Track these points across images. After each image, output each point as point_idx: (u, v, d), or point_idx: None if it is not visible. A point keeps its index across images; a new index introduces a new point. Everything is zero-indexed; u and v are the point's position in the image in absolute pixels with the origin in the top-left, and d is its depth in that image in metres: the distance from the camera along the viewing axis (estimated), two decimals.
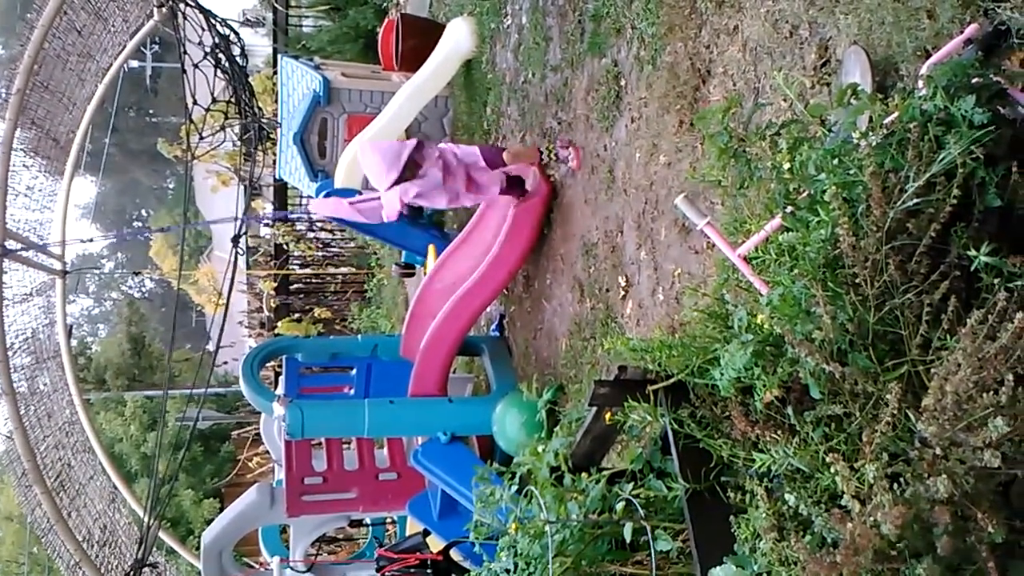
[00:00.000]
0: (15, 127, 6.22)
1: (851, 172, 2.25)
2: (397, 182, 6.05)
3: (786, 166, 2.35)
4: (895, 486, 1.96)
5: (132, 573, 6.11)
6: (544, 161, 6.36)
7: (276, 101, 10.28)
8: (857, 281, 2.17)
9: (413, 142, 6.16)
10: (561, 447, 3.04)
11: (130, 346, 26.04)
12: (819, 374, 2.23)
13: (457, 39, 8.37)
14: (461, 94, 9.11)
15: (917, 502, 1.90)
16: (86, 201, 44.71)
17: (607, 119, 5.55)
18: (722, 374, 2.37)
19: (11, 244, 6.43)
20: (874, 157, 2.16)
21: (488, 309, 7.46)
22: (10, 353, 6.31)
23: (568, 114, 6.21)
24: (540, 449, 3.24)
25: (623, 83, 5.35)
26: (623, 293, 5.27)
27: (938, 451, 1.92)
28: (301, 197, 13.92)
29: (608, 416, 2.77)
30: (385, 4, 13.36)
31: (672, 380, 2.70)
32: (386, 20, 10.49)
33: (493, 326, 7.81)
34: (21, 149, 6.92)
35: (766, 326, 2.30)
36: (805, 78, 3.46)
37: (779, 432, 2.35)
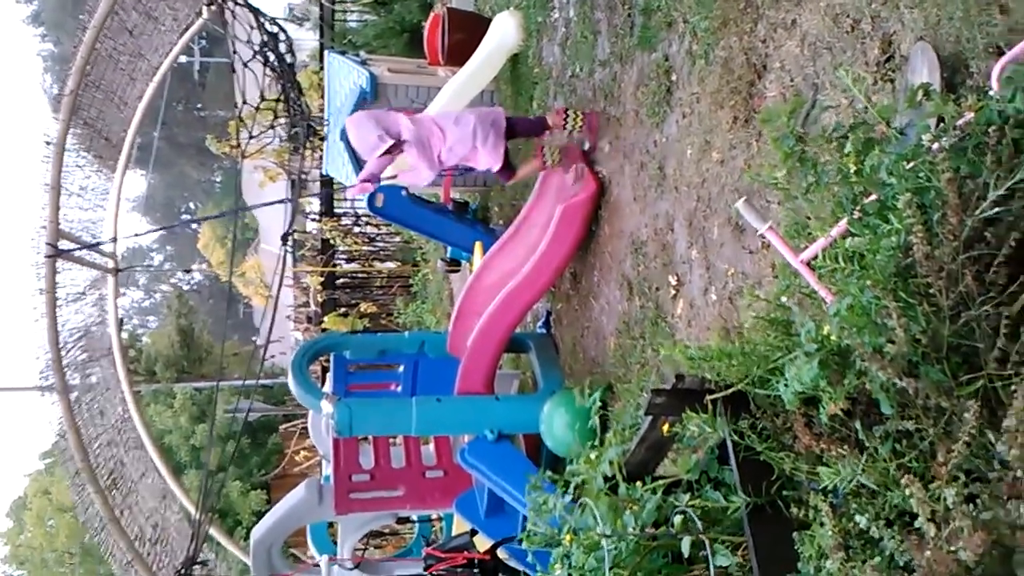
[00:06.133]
0: (68, 128, 6.29)
1: (923, 177, 2.15)
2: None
3: (853, 169, 2.26)
4: (971, 507, 1.87)
5: (183, 570, 6.17)
6: (546, 164, 6.52)
7: (323, 97, 10.30)
8: (931, 291, 2.08)
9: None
10: (616, 456, 2.98)
11: (179, 338, 26.40)
12: (889, 388, 2.14)
13: (503, 33, 8.30)
14: (507, 88, 9.05)
15: (997, 527, 1.81)
16: (136, 195, 45.48)
17: (657, 114, 5.45)
18: (787, 386, 2.28)
19: (64, 244, 6.51)
20: (949, 162, 2.06)
21: (535, 306, 7.40)
22: (63, 352, 6.40)
23: (617, 109, 6.12)
24: (594, 457, 3.17)
25: (674, 78, 5.25)
26: (674, 292, 5.18)
27: (1019, 473, 1.82)
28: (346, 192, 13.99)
29: (666, 427, 2.70)
30: None
31: (731, 390, 2.62)
32: (432, 14, 10.45)
33: (540, 323, 7.75)
34: (74, 149, 7.01)
35: (833, 337, 2.22)
36: (867, 74, 3.35)
37: (845, 446, 2.27)
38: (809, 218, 2.83)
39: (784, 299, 2.75)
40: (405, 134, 6.19)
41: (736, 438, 2.58)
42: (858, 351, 2.09)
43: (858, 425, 2.18)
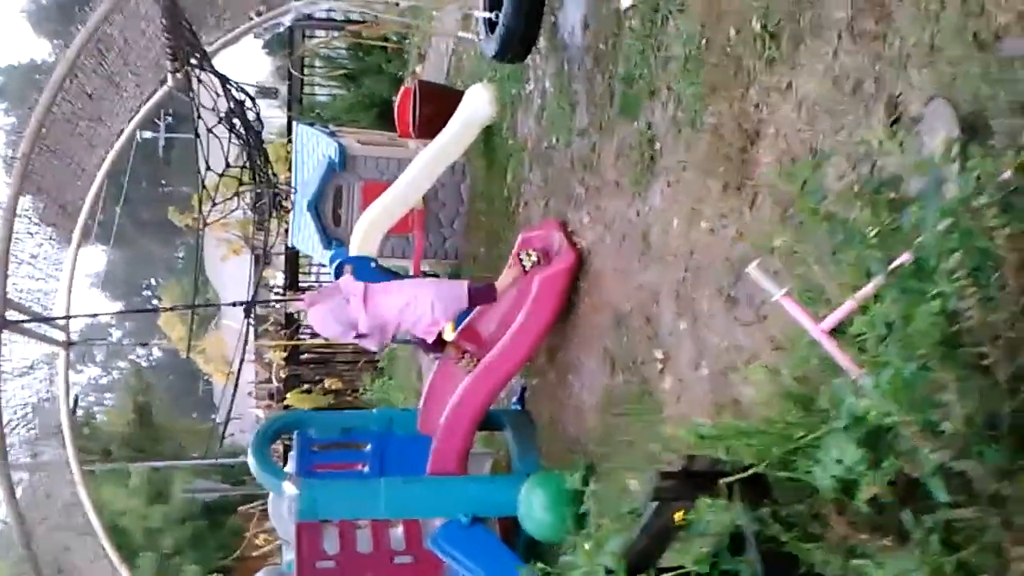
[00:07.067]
0: (19, 192, 5.98)
1: (968, 236, 1.94)
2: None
3: (890, 227, 2.05)
4: None
5: None
6: (526, 269, 6.50)
7: (290, 169, 10.12)
8: (984, 362, 1.85)
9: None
10: (618, 547, 2.70)
11: (136, 416, 25.67)
12: (938, 472, 1.90)
13: (476, 106, 8.19)
14: (480, 160, 8.92)
15: None
16: (96, 270, 44.72)
17: (640, 184, 5.28)
18: (821, 466, 2.03)
19: (12, 315, 6.15)
20: (1000, 218, 1.86)
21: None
22: (7, 431, 5.99)
23: (596, 179, 5.96)
24: (588, 547, 2.88)
25: (658, 146, 5.09)
26: (661, 367, 4.94)
27: None
28: (312, 265, 13.73)
29: (680, 516, 2.42)
30: (401, 73, 13.33)
31: (749, 472, 2.36)
32: (403, 88, 10.38)
33: (514, 399, 7.47)
34: (26, 216, 6.70)
35: (872, 414, 1.97)
36: (873, 137, 3.19)
37: (889, 537, 2.01)
38: (823, 284, 2.62)
39: (798, 371, 2.53)
40: (363, 327, 6.43)
41: (758, 526, 2.31)
42: (906, 429, 1.85)
43: (908, 515, 1.92)
